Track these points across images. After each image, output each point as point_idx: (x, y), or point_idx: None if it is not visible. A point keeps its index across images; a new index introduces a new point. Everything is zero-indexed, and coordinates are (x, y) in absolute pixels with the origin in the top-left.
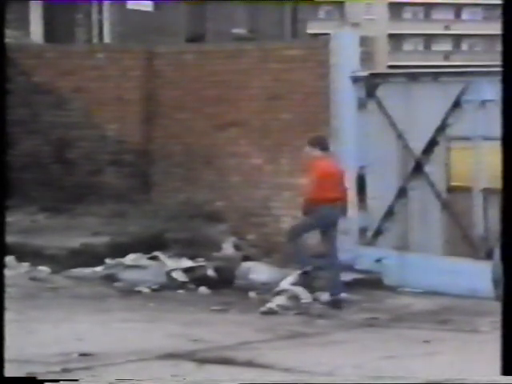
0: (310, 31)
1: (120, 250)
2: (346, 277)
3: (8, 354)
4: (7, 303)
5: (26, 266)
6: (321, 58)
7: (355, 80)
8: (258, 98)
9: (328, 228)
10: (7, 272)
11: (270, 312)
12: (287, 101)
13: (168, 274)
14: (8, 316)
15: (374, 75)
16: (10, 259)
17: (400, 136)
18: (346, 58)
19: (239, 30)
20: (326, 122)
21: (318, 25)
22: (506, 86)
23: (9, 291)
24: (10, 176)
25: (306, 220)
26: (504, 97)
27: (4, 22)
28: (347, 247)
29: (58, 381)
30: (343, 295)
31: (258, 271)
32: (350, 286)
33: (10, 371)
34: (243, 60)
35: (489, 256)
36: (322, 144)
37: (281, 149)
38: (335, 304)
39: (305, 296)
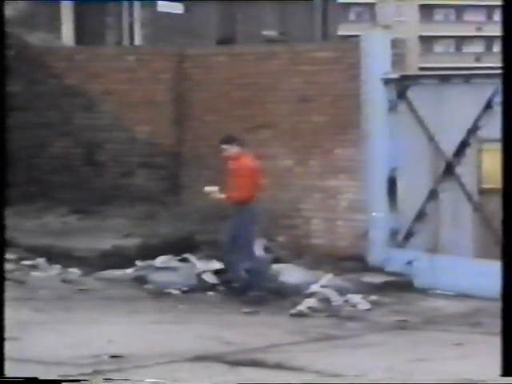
0: (340, 33)
1: (150, 252)
2: (377, 279)
3: (39, 355)
4: (40, 305)
5: (57, 267)
6: (351, 60)
7: (386, 82)
8: (288, 100)
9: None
10: (39, 274)
11: (301, 314)
12: (317, 103)
13: (198, 275)
14: (39, 317)
15: (405, 77)
16: (41, 261)
17: (431, 138)
18: (376, 60)
19: (270, 32)
20: (357, 124)
21: (349, 27)
22: (506, 87)
23: (40, 293)
24: (41, 178)
25: (242, 226)
26: (504, 97)
27: (4, 21)
28: (378, 249)
29: (57, 381)
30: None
31: (289, 273)
32: (380, 288)
33: (40, 372)
34: (273, 62)
35: None
36: (238, 140)
37: (311, 151)
38: (259, 299)
39: (335, 298)
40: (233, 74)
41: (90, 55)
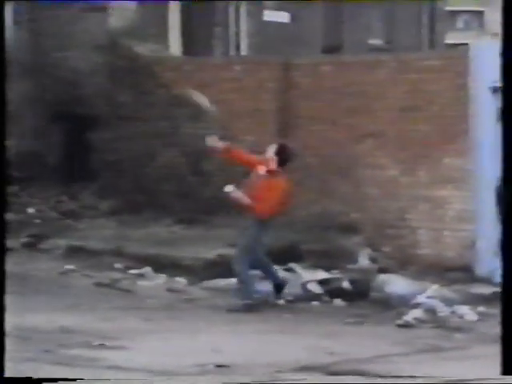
0: (448, 41)
1: None
2: (485, 290)
3: (146, 364)
4: (146, 314)
5: (163, 277)
6: (459, 68)
7: (495, 90)
8: (395, 109)
9: None
10: (146, 283)
11: (407, 325)
12: (425, 112)
13: (303, 285)
14: (146, 326)
15: None
16: (147, 270)
17: None
18: (485, 69)
19: (376, 41)
20: (465, 133)
21: (457, 35)
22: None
23: (147, 302)
24: (149, 187)
25: (256, 237)
26: (504, 97)
27: (4, 21)
28: (486, 260)
29: (56, 380)
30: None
31: (394, 284)
32: (488, 299)
33: (146, 382)
34: (380, 71)
35: None
36: (291, 157)
37: (418, 160)
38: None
39: (442, 309)
40: (339, 83)
41: (198, 65)
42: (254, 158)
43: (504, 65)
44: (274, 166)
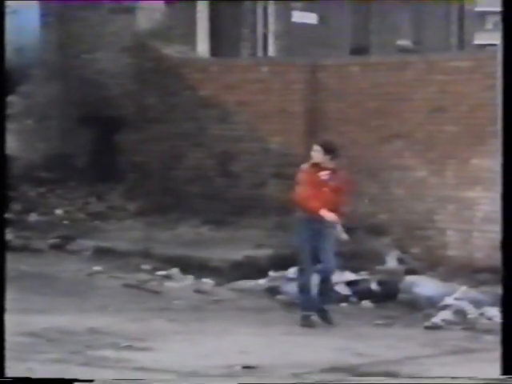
0: (476, 42)
1: (283, 263)
2: None
3: (174, 365)
4: (174, 315)
5: (190, 278)
6: (488, 69)
7: None
8: (423, 110)
9: None
10: (173, 284)
11: (435, 327)
12: (453, 113)
13: None
14: (174, 328)
15: None
16: (174, 271)
17: None
18: None
19: (404, 42)
20: (494, 135)
21: (485, 36)
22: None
23: (174, 303)
24: (176, 189)
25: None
26: (504, 98)
27: (4, 21)
28: None
29: (55, 380)
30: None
31: (423, 285)
32: None
33: (172, 382)
34: (408, 72)
35: None
36: (336, 151)
37: (446, 161)
38: (306, 322)
39: (471, 311)
40: (367, 84)
41: (225, 67)
42: (311, 178)
43: (504, 64)
44: (331, 164)
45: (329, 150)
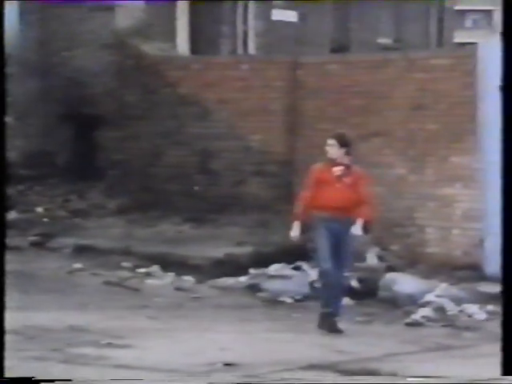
0: (456, 40)
1: (263, 260)
2: (494, 288)
3: (154, 363)
4: (154, 312)
5: (171, 275)
6: (467, 67)
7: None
8: (403, 108)
9: None
10: (154, 281)
11: (415, 323)
12: (432, 111)
13: (311, 284)
14: (154, 325)
15: None
16: (155, 269)
17: None
18: (494, 68)
19: (384, 40)
20: (473, 132)
21: (465, 34)
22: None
23: (155, 301)
24: (156, 187)
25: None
26: (504, 97)
27: (4, 21)
28: (494, 258)
29: (53, 381)
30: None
31: (403, 282)
32: (497, 298)
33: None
34: (388, 70)
35: None
36: (350, 145)
37: (425, 159)
38: (325, 323)
39: (451, 308)
40: (347, 82)
41: (205, 64)
42: (318, 174)
43: (504, 64)
44: (346, 160)
45: (344, 143)
